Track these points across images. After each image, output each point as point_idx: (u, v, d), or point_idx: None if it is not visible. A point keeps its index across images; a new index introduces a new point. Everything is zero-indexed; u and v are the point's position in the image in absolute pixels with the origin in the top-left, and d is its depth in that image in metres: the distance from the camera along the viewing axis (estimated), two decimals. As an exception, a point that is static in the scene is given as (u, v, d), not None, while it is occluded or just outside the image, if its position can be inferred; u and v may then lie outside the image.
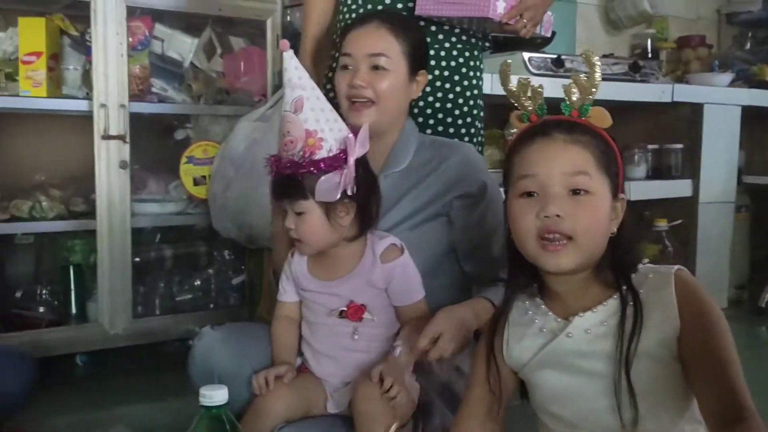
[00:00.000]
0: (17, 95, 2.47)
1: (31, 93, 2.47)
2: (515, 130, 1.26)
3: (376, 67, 1.67)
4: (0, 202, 2.56)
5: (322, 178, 1.47)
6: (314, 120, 1.48)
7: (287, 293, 1.64)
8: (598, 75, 1.17)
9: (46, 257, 2.83)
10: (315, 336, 1.60)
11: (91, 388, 2.45)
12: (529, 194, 1.15)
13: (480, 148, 2.10)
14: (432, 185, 1.72)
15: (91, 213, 2.57)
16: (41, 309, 2.66)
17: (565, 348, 1.17)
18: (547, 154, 1.15)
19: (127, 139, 2.51)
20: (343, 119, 1.61)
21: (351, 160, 1.49)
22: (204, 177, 2.70)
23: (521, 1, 1.93)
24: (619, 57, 3.49)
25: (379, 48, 1.67)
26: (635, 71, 3.27)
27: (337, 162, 1.48)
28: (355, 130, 1.53)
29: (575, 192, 1.13)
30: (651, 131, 3.46)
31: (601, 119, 1.19)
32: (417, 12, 1.94)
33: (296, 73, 1.49)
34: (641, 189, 3.28)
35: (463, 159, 1.75)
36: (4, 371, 1.64)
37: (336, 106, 2.04)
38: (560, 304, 1.20)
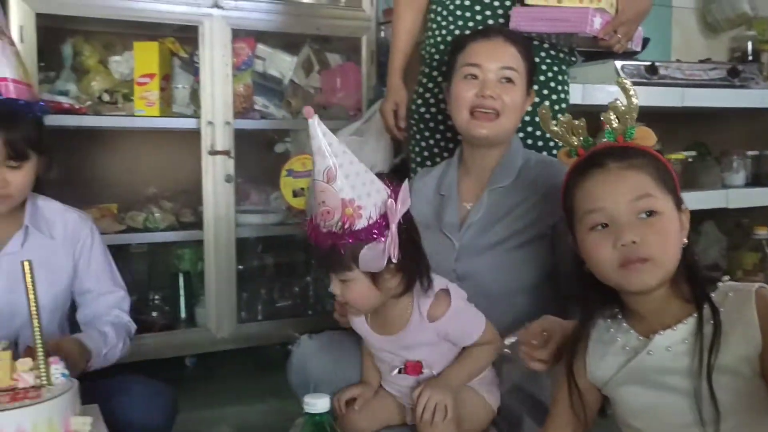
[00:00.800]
0: (132, 115, 2.67)
1: (145, 112, 2.66)
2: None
3: (505, 80, 1.71)
4: (117, 214, 2.77)
5: (365, 249, 1.39)
6: (350, 187, 1.37)
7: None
8: (634, 101, 1.22)
9: (158, 265, 3.04)
10: (386, 383, 1.67)
11: (198, 388, 2.60)
12: (602, 226, 1.19)
13: None
14: (537, 205, 1.70)
15: (198, 224, 2.75)
16: (154, 314, 2.86)
17: (646, 365, 1.20)
18: (608, 186, 1.19)
19: (232, 154, 2.67)
20: (458, 129, 1.75)
21: (393, 227, 1.41)
22: (302, 189, 2.83)
23: (616, 17, 1.95)
24: (716, 62, 3.40)
25: (510, 62, 1.72)
26: (734, 76, 3.18)
27: (378, 230, 1.40)
28: (394, 189, 1.44)
29: (645, 214, 1.16)
30: (750, 136, 3.36)
31: (647, 138, 1.22)
32: (511, 27, 1.97)
33: (325, 140, 1.36)
34: (740, 196, 3.18)
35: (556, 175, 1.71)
36: (151, 403, 1.72)
37: (431, 118, 2.14)
38: (642, 322, 1.23)
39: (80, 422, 1.36)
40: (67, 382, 1.41)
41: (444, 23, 2.11)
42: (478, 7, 2.05)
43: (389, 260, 1.41)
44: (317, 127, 1.37)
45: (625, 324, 1.25)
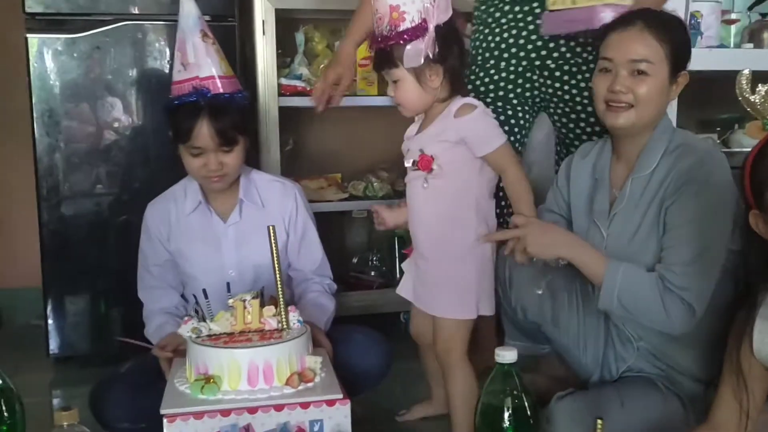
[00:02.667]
0: (355, 94, 2.95)
1: (366, 92, 2.93)
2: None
3: (637, 72, 1.67)
4: (341, 183, 3.08)
5: (408, 46, 1.68)
6: None
7: (406, 162, 1.92)
8: None
9: (376, 229, 3.32)
10: (408, 194, 1.93)
11: (411, 341, 2.85)
12: None
13: None
14: (666, 198, 1.68)
15: (412, 193, 2.98)
16: (372, 273, 3.16)
17: None
18: None
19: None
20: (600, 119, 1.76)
21: (431, 27, 1.68)
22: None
23: (634, 6, 1.87)
24: None
25: (641, 54, 1.66)
26: None
27: (419, 30, 1.68)
28: None
29: None
30: None
31: None
32: (543, 34, 2.05)
33: None
34: None
35: (693, 164, 1.67)
36: (369, 352, 1.96)
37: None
38: None
39: (313, 360, 1.64)
40: (302, 327, 1.70)
41: (487, 31, 2.20)
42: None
43: (430, 59, 1.70)
44: None
45: None
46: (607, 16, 1.86)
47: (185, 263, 2.05)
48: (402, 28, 1.69)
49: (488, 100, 2.21)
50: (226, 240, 2.05)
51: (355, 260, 3.23)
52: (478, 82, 2.26)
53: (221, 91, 1.92)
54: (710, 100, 3.13)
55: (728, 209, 1.61)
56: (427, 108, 1.84)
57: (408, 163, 1.88)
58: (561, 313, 1.88)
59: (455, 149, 1.80)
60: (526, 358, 2.11)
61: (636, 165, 1.74)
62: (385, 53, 1.75)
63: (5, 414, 1.29)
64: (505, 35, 2.17)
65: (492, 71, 2.22)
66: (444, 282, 1.88)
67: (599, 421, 1.22)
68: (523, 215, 1.78)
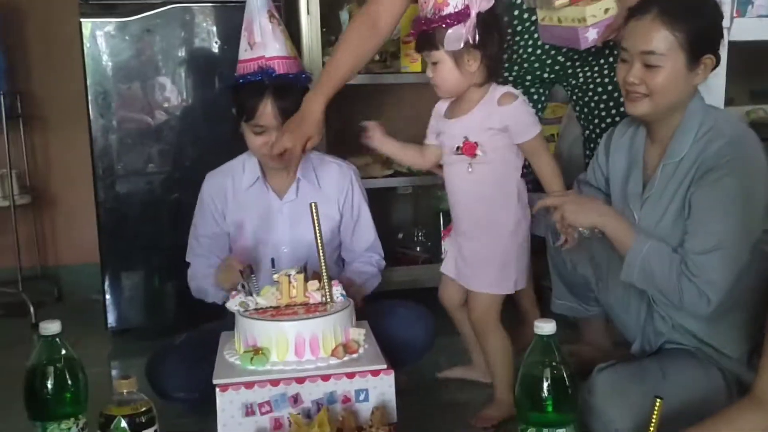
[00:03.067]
0: (399, 71, 2.98)
1: (410, 68, 2.95)
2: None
3: (648, 64, 1.65)
4: (387, 160, 3.11)
5: (449, 30, 1.75)
6: None
7: (429, 137, 2.06)
8: None
9: (421, 205, 3.37)
10: (448, 177, 1.96)
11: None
12: None
13: None
14: (691, 185, 1.67)
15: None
16: (417, 249, 3.19)
17: None
18: None
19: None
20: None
21: (473, 13, 1.75)
22: (553, 135, 2.95)
23: (618, 16, 1.86)
24: None
25: (650, 45, 1.63)
26: None
27: (461, 16, 1.74)
28: None
29: None
30: None
31: None
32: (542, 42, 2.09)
33: None
34: None
35: (719, 150, 1.64)
36: (413, 325, 2.01)
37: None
38: None
39: (356, 332, 1.69)
40: (345, 301, 1.75)
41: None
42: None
43: (469, 45, 1.77)
44: None
45: None
46: (592, 35, 1.91)
47: (239, 238, 2.11)
48: (445, 12, 1.76)
49: (510, 77, 2.24)
50: (281, 217, 2.11)
51: (400, 236, 3.27)
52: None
53: (286, 71, 1.98)
54: (762, 70, 3.06)
55: (757, 193, 1.61)
56: (462, 91, 1.89)
57: (450, 149, 1.93)
58: (609, 273, 1.90)
59: (498, 136, 1.87)
60: (570, 329, 2.14)
61: (667, 150, 1.73)
62: (427, 35, 1.81)
63: (69, 381, 1.38)
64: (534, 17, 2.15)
65: (519, 49, 2.23)
66: (487, 260, 1.95)
67: (658, 401, 1.24)
68: (558, 192, 1.86)
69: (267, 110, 1.95)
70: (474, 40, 1.78)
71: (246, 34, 2.01)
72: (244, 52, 2.02)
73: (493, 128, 1.85)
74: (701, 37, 1.65)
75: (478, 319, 1.99)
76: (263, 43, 1.98)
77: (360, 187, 2.21)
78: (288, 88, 1.97)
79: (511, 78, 2.23)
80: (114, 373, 2.48)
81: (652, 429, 1.28)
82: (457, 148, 1.89)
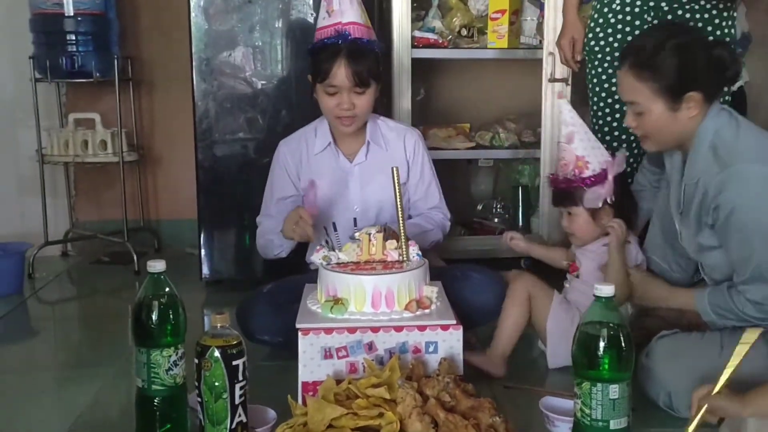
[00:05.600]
0: (485, 47, 3.05)
1: (496, 44, 3.02)
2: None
3: (636, 112, 1.83)
4: (469, 133, 3.21)
5: (588, 191, 1.97)
6: (582, 148, 1.99)
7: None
8: None
9: (501, 178, 3.45)
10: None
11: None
12: None
13: None
14: (703, 214, 1.80)
15: (536, 143, 3.06)
16: (496, 220, 3.28)
17: None
18: None
19: (569, 82, 2.90)
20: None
21: (611, 177, 1.97)
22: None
23: None
24: None
25: (630, 96, 1.83)
26: None
27: (599, 179, 1.97)
28: (614, 156, 2.01)
29: None
30: None
31: None
32: None
33: (569, 114, 2.02)
34: None
35: (721, 182, 1.73)
36: (484, 289, 2.08)
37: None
38: None
39: (430, 290, 1.81)
40: (420, 260, 1.87)
41: None
42: None
43: (606, 203, 1.98)
44: (565, 105, 2.06)
45: None
46: None
47: (312, 198, 2.25)
48: (585, 175, 1.98)
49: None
50: (353, 178, 2.24)
51: (479, 207, 3.35)
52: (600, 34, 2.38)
53: (360, 36, 2.11)
54: None
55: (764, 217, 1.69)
56: (595, 239, 2.08)
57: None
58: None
59: (595, 262, 2.10)
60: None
61: (685, 173, 1.86)
62: (567, 193, 2.04)
63: (171, 314, 1.55)
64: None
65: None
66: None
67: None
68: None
69: (340, 71, 2.07)
70: (611, 199, 1.99)
71: (325, 4, 2.14)
72: (322, 20, 2.14)
73: (594, 260, 2.09)
74: (676, 80, 1.76)
75: None
76: (340, 11, 2.11)
77: (425, 149, 2.32)
78: (361, 52, 2.09)
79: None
80: (206, 320, 2.68)
81: (738, 360, 1.43)
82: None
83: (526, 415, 1.72)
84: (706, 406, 1.44)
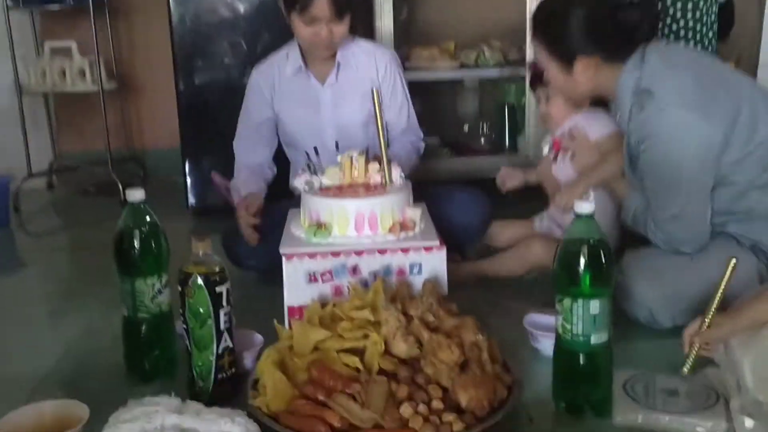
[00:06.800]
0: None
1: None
2: None
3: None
4: (454, 52, 3.15)
5: None
6: None
7: None
8: None
9: (486, 98, 3.41)
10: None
11: (518, 208, 2.97)
12: None
13: None
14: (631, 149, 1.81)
15: (523, 61, 3.01)
16: (482, 140, 3.26)
17: None
18: None
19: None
20: None
21: None
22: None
23: None
24: None
25: (535, 54, 1.91)
26: None
27: None
28: None
29: None
30: None
31: None
32: None
33: None
34: None
35: (642, 123, 1.72)
36: (468, 208, 2.10)
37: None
38: None
39: (413, 212, 1.81)
40: (403, 182, 1.86)
41: None
42: None
43: None
44: None
45: None
46: None
47: (288, 124, 2.25)
48: None
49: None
50: (324, 100, 2.22)
51: (465, 128, 3.33)
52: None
53: None
54: None
55: (685, 160, 1.69)
56: None
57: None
58: None
59: None
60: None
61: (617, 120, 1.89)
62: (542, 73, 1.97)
63: (152, 243, 1.55)
64: None
65: None
66: None
67: (733, 261, 1.44)
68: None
69: (322, 2, 2.01)
70: None
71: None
72: None
73: None
74: (564, 47, 1.78)
75: None
76: None
77: (398, 70, 2.28)
78: None
79: None
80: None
81: (722, 290, 1.42)
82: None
83: (509, 332, 1.74)
84: (697, 343, 1.46)
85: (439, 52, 3.08)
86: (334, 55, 2.20)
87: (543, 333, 1.65)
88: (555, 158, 2.18)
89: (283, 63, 2.24)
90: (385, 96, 2.25)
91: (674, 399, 1.42)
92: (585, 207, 1.39)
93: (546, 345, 1.63)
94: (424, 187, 2.14)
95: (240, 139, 2.32)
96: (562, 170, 2.15)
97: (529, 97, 2.99)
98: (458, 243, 2.04)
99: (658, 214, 1.77)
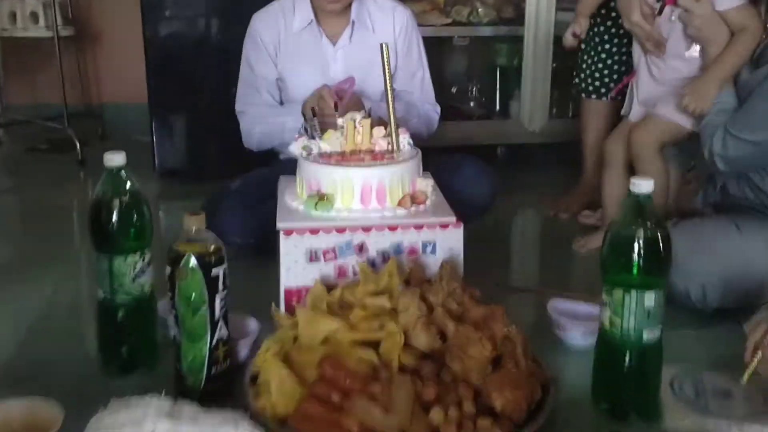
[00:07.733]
0: None
1: None
2: None
3: None
4: (444, 8, 2.94)
5: None
6: None
7: None
8: None
9: (477, 59, 3.22)
10: None
11: (508, 176, 2.81)
12: None
13: None
14: None
15: (519, 20, 2.83)
16: (471, 104, 3.09)
17: None
18: None
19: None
20: None
21: None
22: None
23: None
24: None
25: None
26: None
27: None
28: None
29: None
30: None
31: None
32: None
33: None
34: None
35: None
36: (477, 180, 1.94)
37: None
38: None
39: (423, 183, 1.62)
40: (412, 150, 1.67)
41: None
42: None
43: None
44: None
45: None
46: None
47: (290, 84, 2.02)
48: None
49: None
50: (335, 63, 2.01)
51: (454, 90, 3.15)
52: None
53: None
54: None
55: None
56: None
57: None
58: None
59: None
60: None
61: None
62: None
63: (134, 215, 1.33)
64: None
65: None
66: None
67: None
68: None
69: None
70: None
71: None
72: None
73: None
74: None
75: (641, 144, 1.98)
76: None
77: (415, 30, 2.10)
78: None
79: None
80: (161, 215, 2.46)
81: None
82: None
83: (530, 320, 1.58)
84: (760, 353, 1.29)
85: (429, 7, 2.88)
86: (348, 12, 1.98)
87: (572, 321, 1.50)
88: (660, 11, 1.91)
89: (290, 13, 2.00)
90: (402, 58, 2.05)
91: (729, 402, 1.28)
92: (644, 186, 1.22)
93: (575, 335, 1.48)
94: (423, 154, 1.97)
95: (249, 104, 2.05)
96: (669, 31, 1.91)
97: (526, 60, 2.81)
98: (463, 219, 1.86)
99: (741, 131, 1.65)
